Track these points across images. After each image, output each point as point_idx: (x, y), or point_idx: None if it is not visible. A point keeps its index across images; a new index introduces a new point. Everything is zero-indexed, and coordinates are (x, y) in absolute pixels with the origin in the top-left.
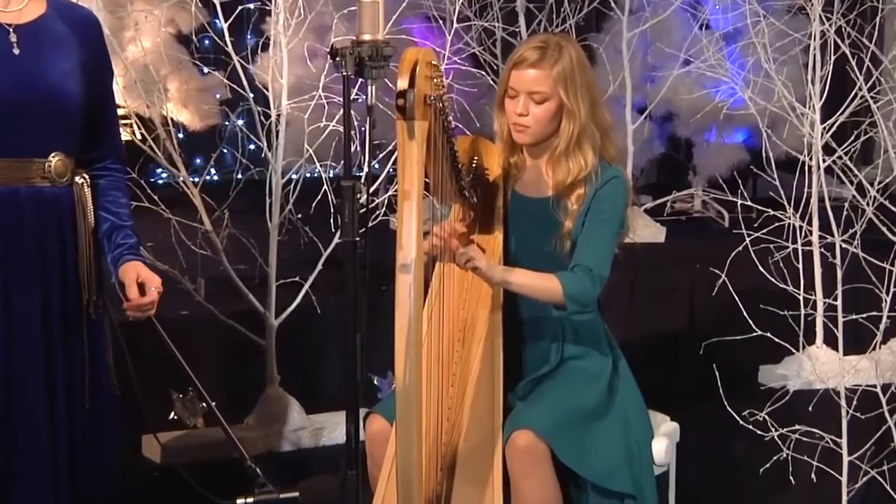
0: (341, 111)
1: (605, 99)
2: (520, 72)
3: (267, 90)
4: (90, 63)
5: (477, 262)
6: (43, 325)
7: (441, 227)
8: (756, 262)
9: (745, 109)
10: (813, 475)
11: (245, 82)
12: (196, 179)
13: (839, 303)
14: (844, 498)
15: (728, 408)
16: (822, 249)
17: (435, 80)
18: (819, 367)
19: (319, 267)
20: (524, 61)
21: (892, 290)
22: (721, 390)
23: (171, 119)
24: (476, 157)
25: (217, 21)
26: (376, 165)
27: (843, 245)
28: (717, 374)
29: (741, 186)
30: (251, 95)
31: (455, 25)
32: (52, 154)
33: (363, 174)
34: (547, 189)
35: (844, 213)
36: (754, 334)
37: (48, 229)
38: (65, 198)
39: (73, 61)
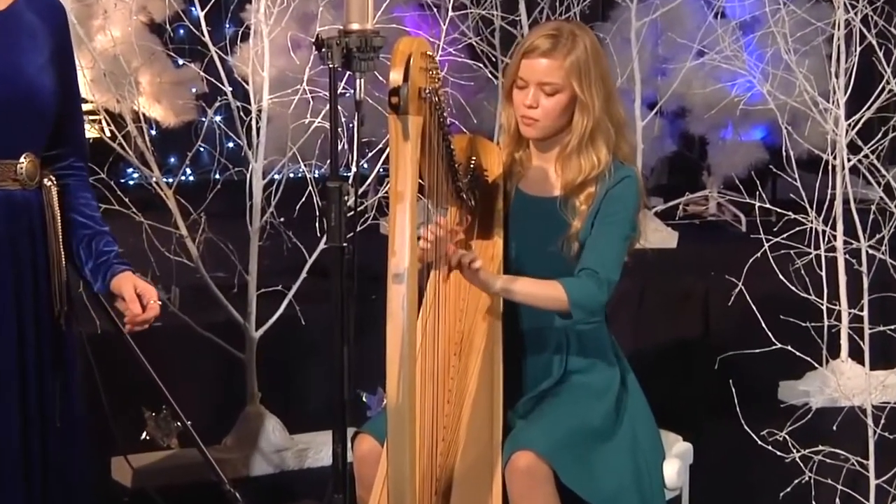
0: (327, 106)
1: None
2: (530, 61)
3: (247, 84)
4: (58, 54)
5: (477, 262)
6: (18, 336)
7: (435, 226)
8: (775, 269)
9: (764, 104)
10: (837, 500)
11: (223, 75)
12: (170, 180)
13: (865, 313)
14: None
15: (745, 427)
16: (847, 256)
17: (430, 73)
18: (844, 382)
19: (304, 275)
20: (535, 50)
21: None
22: (738, 408)
23: (143, 115)
24: (474, 158)
25: (193, 9)
26: (365, 165)
27: (870, 251)
28: (733, 390)
29: (759, 188)
30: (230, 89)
31: (451, 14)
32: (24, 155)
33: (351, 174)
34: (554, 188)
35: (871, 216)
36: (774, 347)
37: (20, 234)
38: (34, 201)
39: (45, 55)
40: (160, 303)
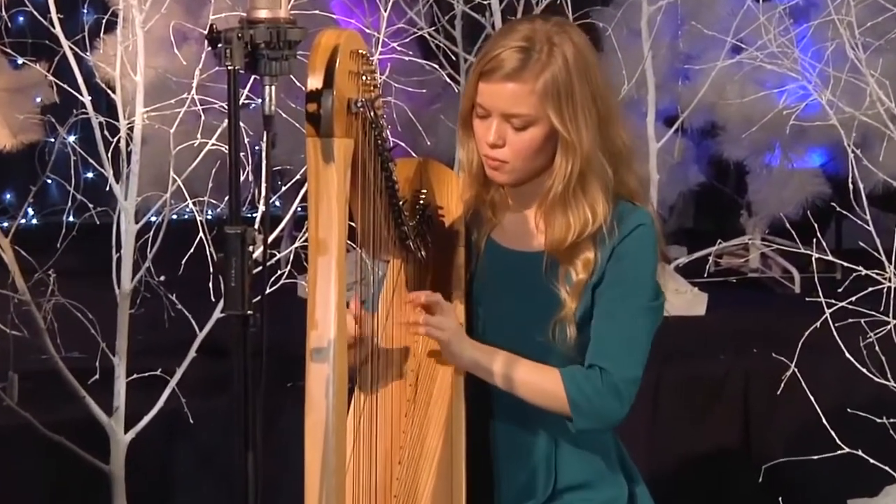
0: (224, 123)
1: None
2: (491, 85)
3: (113, 91)
4: None
5: (436, 331)
6: None
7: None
8: (840, 345)
9: (824, 119)
10: None
11: (80, 79)
12: (6, 224)
13: None
14: None
15: None
16: None
17: (364, 78)
18: None
19: (192, 354)
20: (497, 70)
21: None
22: None
23: None
24: (424, 191)
25: None
26: (277, 203)
27: None
28: None
29: (818, 233)
30: (89, 99)
31: None
32: None
33: (258, 216)
34: (537, 240)
35: None
36: (840, 453)
37: None
38: None
39: None
40: None
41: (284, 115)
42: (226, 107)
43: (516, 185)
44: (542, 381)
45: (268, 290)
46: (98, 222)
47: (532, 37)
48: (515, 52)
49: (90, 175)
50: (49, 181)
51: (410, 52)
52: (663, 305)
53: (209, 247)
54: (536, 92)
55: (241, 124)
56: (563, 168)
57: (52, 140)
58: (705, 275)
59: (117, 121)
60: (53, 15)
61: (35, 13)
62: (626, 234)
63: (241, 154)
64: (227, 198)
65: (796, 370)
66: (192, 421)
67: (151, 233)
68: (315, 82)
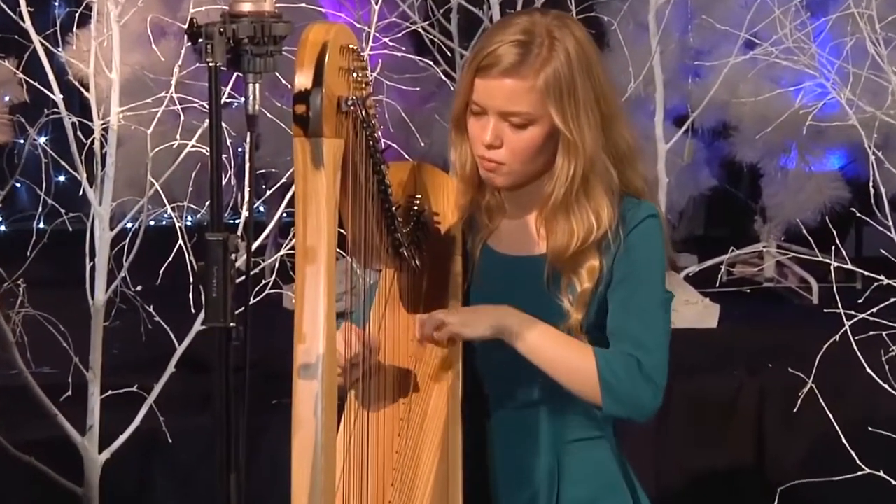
0: (205, 123)
1: (623, 103)
2: (487, 81)
3: (87, 90)
4: None
5: (454, 327)
6: None
7: (348, 333)
8: (861, 359)
9: (843, 119)
10: None
11: (51, 77)
12: None
13: None
14: None
15: None
16: None
17: (355, 75)
18: None
19: (171, 369)
20: (494, 65)
21: None
22: None
23: None
24: (419, 196)
25: None
26: (261, 209)
27: None
28: None
29: (837, 240)
30: (61, 97)
31: None
32: None
33: (241, 222)
34: (537, 245)
35: None
36: (860, 473)
37: None
38: None
39: None
40: None
41: (269, 115)
42: (206, 106)
43: (514, 188)
44: (571, 356)
45: (252, 301)
46: (70, 229)
47: (531, 30)
48: (514, 47)
49: (62, 178)
50: (18, 185)
51: (403, 48)
52: (671, 303)
53: (189, 255)
54: (537, 88)
55: (223, 124)
56: (565, 170)
57: (22, 141)
58: (717, 285)
59: (91, 121)
60: (23, 8)
61: (3, 6)
62: (634, 226)
63: (223, 156)
64: (207, 202)
65: (814, 386)
66: (170, 440)
67: (127, 240)
68: (303, 79)
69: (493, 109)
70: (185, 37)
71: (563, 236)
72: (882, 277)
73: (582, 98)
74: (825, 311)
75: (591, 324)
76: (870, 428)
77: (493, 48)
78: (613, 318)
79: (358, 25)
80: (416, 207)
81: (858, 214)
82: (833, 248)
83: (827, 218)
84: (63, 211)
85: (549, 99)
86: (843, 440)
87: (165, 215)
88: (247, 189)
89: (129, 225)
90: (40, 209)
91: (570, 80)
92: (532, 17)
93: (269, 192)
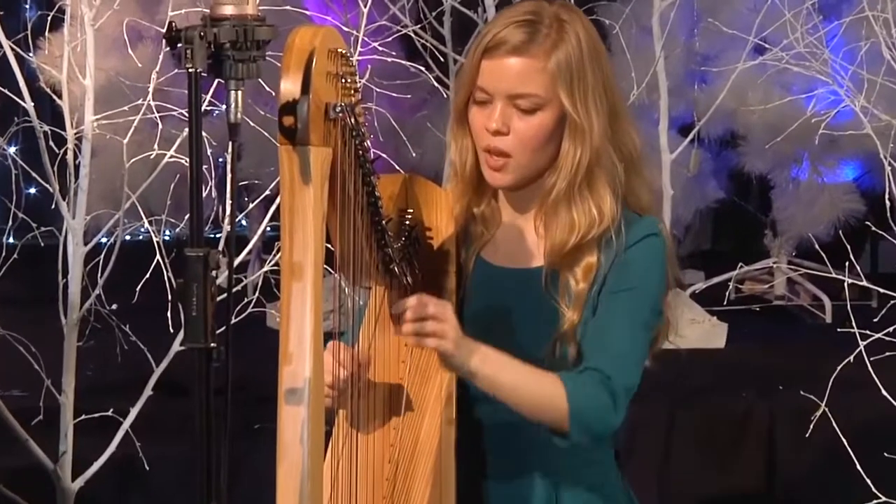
0: (185, 132)
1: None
2: (495, 62)
3: (59, 97)
4: None
5: (435, 340)
6: None
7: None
8: (876, 381)
9: (857, 128)
10: None
11: (22, 83)
12: None
13: None
14: None
15: None
16: None
17: (344, 80)
18: None
19: (148, 392)
20: (502, 44)
21: None
22: None
23: None
24: (411, 210)
25: None
26: (244, 222)
27: None
28: None
29: (852, 256)
30: (31, 105)
31: None
32: None
33: (223, 237)
34: (534, 257)
35: None
36: (875, 502)
37: None
38: None
39: None
40: None
41: (252, 124)
42: (186, 114)
43: (516, 187)
44: (543, 386)
45: (233, 321)
46: (42, 244)
47: (539, 12)
48: (522, 26)
49: (33, 191)
50: None
51: (394, 53)
52: (663, 329)
53: (167, 271)
54: (549, 70)
55: (204, 134)
56: (571, 157)
57: None
58: (725, 303)
59: (64, 130)
60: None
61: None
62: (634, 242)
63: (204, 167)
64: (187, 216)
65: (827, 409)
66: (147, 468)
67: (102, 256)
68: (289, 84)
69: (501, 93)
70: (164, 41)
71: (564, 230)
72: None
73: (591, 84)
74: (839, 330)
75: (584, 333)
76: (886, 454)
77: (499, 29)
78: (597, 327)
79: (346, 29)
80: (407, 222)
81: (874, 228)
82: (847, 263)
83: (841, 232)
84: (34, 225)
85: (559, 82)
86: (858, 466)
87: (142, 229)
88: (228, 202)
89: (104, 240)
90: (10, 223)
91: (580, 64)
92: (538, 4)
93: (252, 205)
